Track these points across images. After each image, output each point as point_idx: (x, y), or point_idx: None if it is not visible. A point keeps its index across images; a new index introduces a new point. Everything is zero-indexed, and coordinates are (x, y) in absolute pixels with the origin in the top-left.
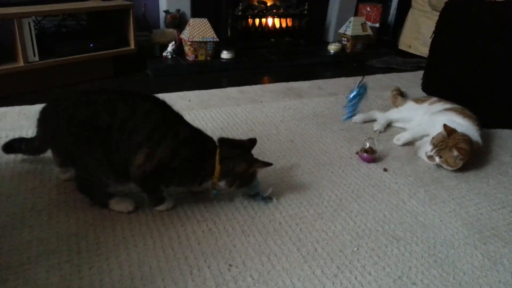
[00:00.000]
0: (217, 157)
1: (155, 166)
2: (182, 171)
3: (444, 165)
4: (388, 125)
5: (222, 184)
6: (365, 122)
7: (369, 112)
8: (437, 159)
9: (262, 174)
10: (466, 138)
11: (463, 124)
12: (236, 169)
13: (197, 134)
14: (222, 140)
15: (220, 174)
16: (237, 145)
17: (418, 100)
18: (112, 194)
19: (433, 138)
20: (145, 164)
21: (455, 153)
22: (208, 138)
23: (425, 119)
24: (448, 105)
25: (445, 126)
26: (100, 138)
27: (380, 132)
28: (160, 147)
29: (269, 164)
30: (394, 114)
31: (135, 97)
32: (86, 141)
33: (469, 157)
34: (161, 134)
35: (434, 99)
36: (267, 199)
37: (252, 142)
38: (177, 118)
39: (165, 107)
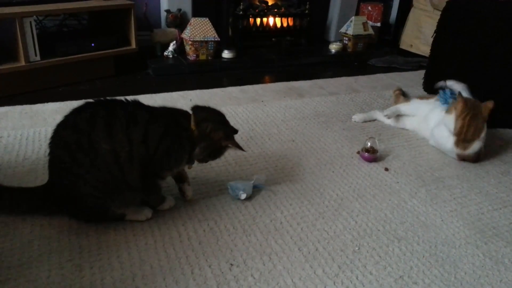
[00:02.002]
0: (193, 122)
1: (140, 161)
2: (167, 151)
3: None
4: (389, 125)
5: (195, 152)
6: (365, 122)
7: (370, 112)
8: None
9: (263, 173)
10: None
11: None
12: (212, 134)
13: (160, 110)
14: (196, 107)
15: (197, 138)
16: (215, 113)
17: (422, 98)
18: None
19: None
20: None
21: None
22: (178, 110)
23: (430, 114)
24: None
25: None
26: (80, 176)
27: (388, 117)
28: (133, 145)
29: (242, 150)
30: (404, 107)
31: (70, 116)
32: (76, 185)
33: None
34: (118, 129)
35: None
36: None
37: (234, 130)
38: (127, 106)
39: (107, 103)
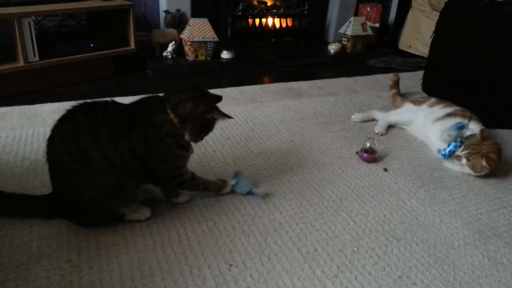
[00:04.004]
0: (169, 111)
1: (139, 165)
2: (160, 156)
3: (469, 168)
4: (389, 126)
5: (187, 136)
6: (364, 121)
7: (369, 111)
8: (464, 160)
9: (262, 173)
10: (498, 148)
11: (472, 128)
12: (194, 111)
13: (136, 111)
14: (168, 92)
15: (180, 123)
16: (190, 90)
17: (416, 102)
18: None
19: (466, 138)
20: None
21: (484, 163)
22: (149, 104)
23: (429, 124)
24: (449, 109)
25: (482, 132)
26: (80, 183)
27: (382, 135)
28: (123, 153)
29: (229, 117)
30: (393, 116)
31: (55, 129)
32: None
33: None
34: (103, 138)
35: (433, 100)
36: (262, 194)
37: (217, 98)
38: (107, 111)
39: (87, 110)
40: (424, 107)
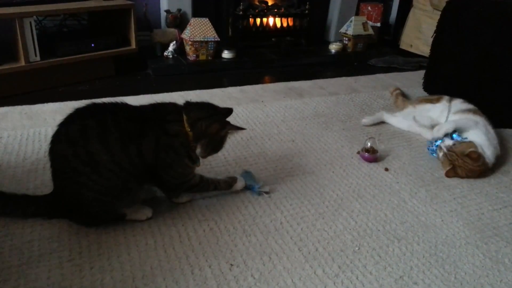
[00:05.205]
0: (186, 125)
1: (147, 169)
2: (168, 163)
3: (442, 159)
4: (389, 125)
5: (198, 151)
6: (374, 124)
7: (377, 114)
8: (441, 154)
9: (263, 173)
10: (473, 170)
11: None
12: (209, 130)
13: (149, 116)
14: (187, 106)
15: (193, 139)
16: (207, 107)
17: (428, 100)
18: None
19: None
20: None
21: (450, 172)
22: (166, 112)
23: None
24: (461, 105)
25: (471, 153)
26: (83, 183)
27: (366, 126)
28: (132, 158)
29: (242, 128)
30: (393, 121)
31: (62, 128)
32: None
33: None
34: (113, 143)
35: (447, 97)
36: (262, 193)
37: (228, 111)
38: (117, 116)
39: (96, 112)
40: (444, 103)
